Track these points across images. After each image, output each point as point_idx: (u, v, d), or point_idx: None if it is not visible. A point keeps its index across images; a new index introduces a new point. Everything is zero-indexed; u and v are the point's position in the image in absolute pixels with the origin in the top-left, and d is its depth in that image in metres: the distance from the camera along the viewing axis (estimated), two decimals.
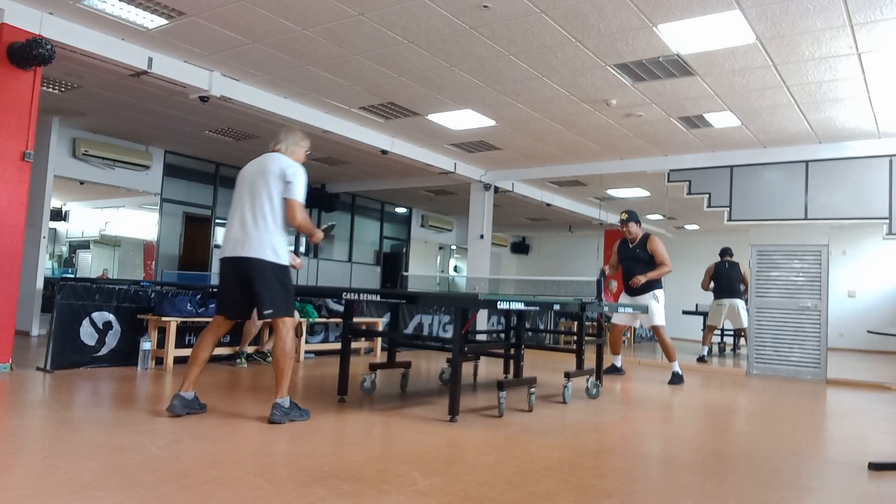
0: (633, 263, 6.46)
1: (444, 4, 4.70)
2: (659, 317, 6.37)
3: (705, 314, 10.68)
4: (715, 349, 10.14)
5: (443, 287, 15.42)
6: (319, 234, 3.91)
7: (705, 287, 9.19)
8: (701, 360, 8.59)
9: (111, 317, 5.54)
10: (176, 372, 5.40)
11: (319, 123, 7.60)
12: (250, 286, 3.56)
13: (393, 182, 11.71)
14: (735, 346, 11.07)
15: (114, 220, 14.22)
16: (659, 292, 6.41)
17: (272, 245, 3.55)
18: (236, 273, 3.60)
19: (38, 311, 8.14)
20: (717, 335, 10.48)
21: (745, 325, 8.50)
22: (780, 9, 4.49)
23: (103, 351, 5.46)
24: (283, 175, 3.58)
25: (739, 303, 8.73)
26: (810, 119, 6.84)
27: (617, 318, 6.78)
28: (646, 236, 6.50)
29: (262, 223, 3.56)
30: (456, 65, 5.87)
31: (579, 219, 13.85)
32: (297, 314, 3.58)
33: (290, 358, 3.62)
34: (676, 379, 6.34)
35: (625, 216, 6.53)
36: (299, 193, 3.61)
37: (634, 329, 12.76)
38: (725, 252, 9.07)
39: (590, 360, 5.50)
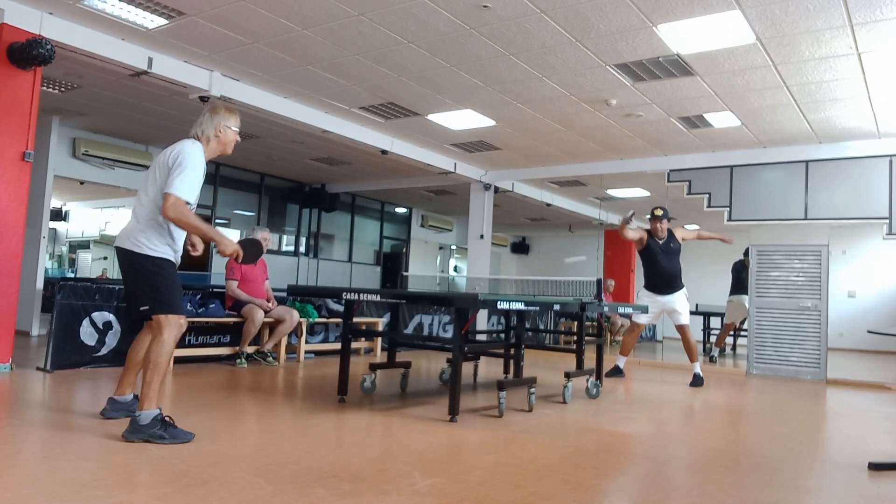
0: (669, 257, 6.41)
1: (444, 4, 4.70)
2: (686, 316, 6.39)
3: (706, 314, 10.71)
4: (715, 350, 10.13)
5: (443, 287, 15.42)
6: (228, 245, 3.27)
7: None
8: (712, 359, 8.85)
9: (111, 317, 5.54)
10: (176, 372, 5.40)
11: (319, 123, 7.60)
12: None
13: (393, 182, 11.70)
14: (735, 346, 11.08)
15: (114, 220, 14.25)
16: (685, 290, 6.44)
17: (143, 235, 3.16)
18: (120, 266, 3.33)
19: (38, 311, 8.14)
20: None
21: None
22: (780, 9, 4.49)
23: (103, 351, 5.46)
24: (168, 163, 3.15)
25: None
26: (810, 119, 6.84)
27: (639, 318, 6.65)
28: (669, 230, 6.53)
29: (140, 214, 3.20)
30: (456, 65, 5.87)
31: (579, 219, 13.85)
32: (184, 320, 3.23)
33: (163, 366, 3.12)
34: (698, 381, 6.26)
35: (660, 212, 6.43)
36: (178, 186, 3.08)
37: None
38: (747, 253, 9.31)
39: (590, 360, 5.50)
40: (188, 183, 3.11)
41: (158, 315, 3.15)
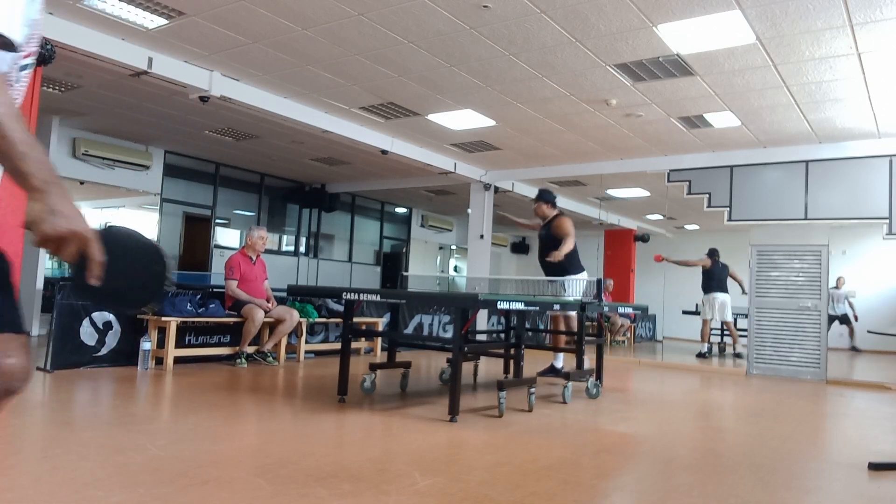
0: (544, 243, 6.12)
1: (444, 4, 4.70)
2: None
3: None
4: (715, 349, 10.19)
5: (443, 287, 15.41)
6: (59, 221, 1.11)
7: (691, 264, 10.19)
8: (701, 355, 9.07)
9: (111, 317, 5.54)
10: (176, 372, 5.40)
11: (319, 123, 7.60)
12: None
13: (393, 182, 11.70)
14: (722, 342, 11.08)
15: (114, 220, 14.24)
16: (577, 276, 5.94)
17: None
18: None
19: (38, 311, 8.14)
20: (717, 335, 10.54)
21: (730, 318, 9.79)
22: (780, 9, 4.49)
23: (103, 351, 5.46)
24: None
25: (727, 297, 9.72)
26: (810, 119, 6.84)
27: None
28: (554, 217, 6.18)
29: None
30: (456, 65, 5.86)
31: (579, 219, 13.81)
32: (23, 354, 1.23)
33: None
34: (555, 372, 5.84)
35: (537, 195, 6.18)
36: None
37: (634, 328, 12.78)
38: (715, 253, 10.00)
39: (590, 360, 5.50)
40: None
41: None
